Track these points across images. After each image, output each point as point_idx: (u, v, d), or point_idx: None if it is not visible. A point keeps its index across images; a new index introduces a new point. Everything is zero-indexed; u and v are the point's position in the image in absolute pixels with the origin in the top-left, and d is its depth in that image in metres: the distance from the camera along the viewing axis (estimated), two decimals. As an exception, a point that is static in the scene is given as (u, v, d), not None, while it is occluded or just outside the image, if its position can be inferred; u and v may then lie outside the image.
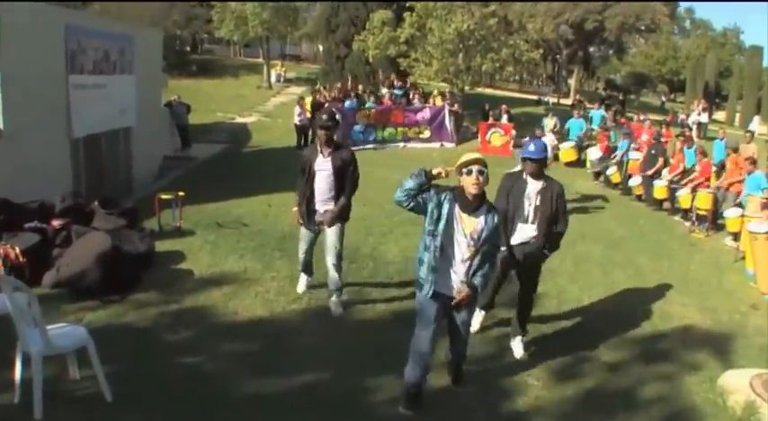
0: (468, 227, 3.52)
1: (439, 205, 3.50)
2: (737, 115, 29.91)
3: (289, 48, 51.39)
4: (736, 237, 8.93)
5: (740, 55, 54.34)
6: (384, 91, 20.28)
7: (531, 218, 4.54)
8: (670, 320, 5.90)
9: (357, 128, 16.78)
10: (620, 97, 30.64)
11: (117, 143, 9.48)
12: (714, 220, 9.95)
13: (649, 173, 11.60)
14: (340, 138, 6.08)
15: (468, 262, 3.58)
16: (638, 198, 11.99)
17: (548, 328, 5.39)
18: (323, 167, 5.03)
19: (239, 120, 20.46)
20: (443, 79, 19.67)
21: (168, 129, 13.63)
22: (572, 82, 33.81)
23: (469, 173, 3.47)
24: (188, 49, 38.38)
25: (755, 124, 28.22)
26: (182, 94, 15.86)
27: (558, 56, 31.79)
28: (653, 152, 11.99)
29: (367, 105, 17.54)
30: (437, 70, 18.80)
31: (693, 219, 10.07)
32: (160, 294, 5.47)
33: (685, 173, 11.17)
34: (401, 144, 17.13)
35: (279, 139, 16.94)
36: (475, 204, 3.52)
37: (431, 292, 3.59)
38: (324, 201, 5.12)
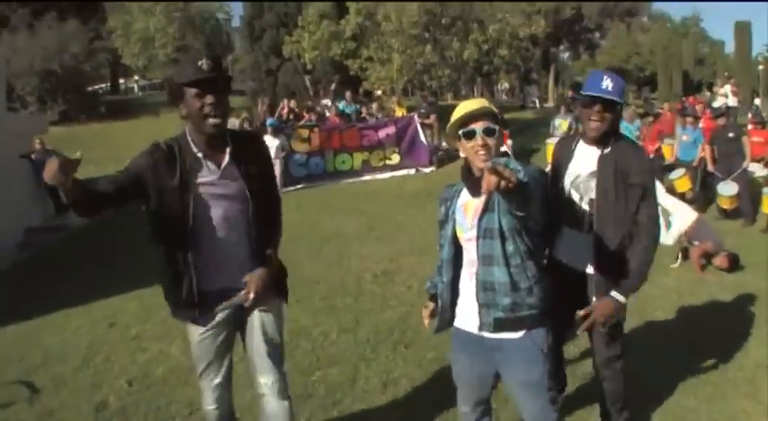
0: (471, 211, 2.01)
1: (445, 201, 2.16)
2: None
3: (233, 83, 45.90)
4: None
5: (703, 43, 52.26)
6: (325, 103, 14.76)
7: (584, 216, 2.36)
8: None
9: (296, 158, 11.41)
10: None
11: None
12: None
13: (745, 165, 7.47)
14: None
15: (478, 266, 1.99)
16: (724, 212, 7.63)
17: None
18: (220, 190, 2.21)
19: (155, 169, 15.32)
20: (409, 82, 14.31)
21: (32, 189, 9.81)
22: (549, 83, 29.35)
23: (470, 136, 1.95)
24: (102, 88, 32.06)
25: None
26: (86, 141, 11.88)
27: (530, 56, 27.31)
28: (730, 135, 7.70)
29: (303, 125, 12.17)
30: (400, 67, 13.38)
31: None
32: None
33: None
34: (365, 177, 11.77)
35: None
36: None
37: (453, 332, 2.17)
38: (228, 263, 2.22)
